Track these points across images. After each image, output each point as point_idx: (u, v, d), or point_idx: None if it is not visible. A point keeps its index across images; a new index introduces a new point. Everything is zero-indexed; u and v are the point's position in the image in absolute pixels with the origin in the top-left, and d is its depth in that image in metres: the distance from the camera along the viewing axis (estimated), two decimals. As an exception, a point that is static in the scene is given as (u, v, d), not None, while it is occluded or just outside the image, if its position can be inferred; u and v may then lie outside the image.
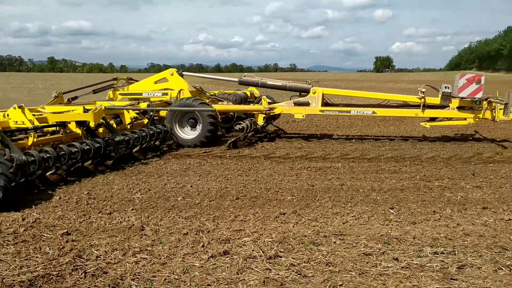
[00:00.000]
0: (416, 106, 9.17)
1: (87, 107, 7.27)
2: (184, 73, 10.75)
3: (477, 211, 4.81)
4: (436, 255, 3.57)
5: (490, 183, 6.03)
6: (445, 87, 8.86)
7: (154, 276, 3.21)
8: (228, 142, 8.75)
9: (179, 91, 9.65)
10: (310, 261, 3.46)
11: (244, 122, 9.09)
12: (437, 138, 10.14)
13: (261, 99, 9.65)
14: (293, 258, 3.50)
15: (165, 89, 10.49)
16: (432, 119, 9.35)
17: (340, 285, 3.09)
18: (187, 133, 9.07)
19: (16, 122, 6.57)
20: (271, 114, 9.55)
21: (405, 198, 5.34)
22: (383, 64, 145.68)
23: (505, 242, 3.84)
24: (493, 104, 8.59)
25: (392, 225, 4.36)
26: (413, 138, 10.12)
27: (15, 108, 6.59)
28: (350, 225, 4.36)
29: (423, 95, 8.93)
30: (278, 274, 3.22)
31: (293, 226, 4.31)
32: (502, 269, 3.32)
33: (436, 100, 9.05)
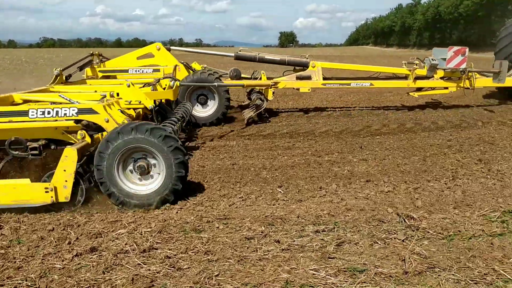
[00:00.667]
0: (403, 77, 9.83)
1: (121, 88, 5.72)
2: (172, 47, 9.74)
3: (360, 185, 4.94)
4: (318, 234, 3.54)
5: (375, 156, 6.27)
6: (432, 60, 9.49)
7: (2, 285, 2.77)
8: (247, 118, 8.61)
9: (175, 67, 8.77)
10: (188, 251, 3.24)
11: (257, 97, 8.93)
12: (332, 111, 10.39)
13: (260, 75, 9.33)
14: (169, 250, 3.25)
15: (151, 65, 9.22)
16: (419, 89, 9.94)
17: (216, 275, 2.91)
18: (199, 111, 8.78)
19: (130, 102, 5.52)
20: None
21: (295, 175, 5.34)
22: (288, 39, 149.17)
23: (383, 215, 3.94)
24: (470, 74, 9.45)
25: (278, 204, 4.30)
26: (312, 111, 10.26)
27: (129, 86, 5.50)
28: (236, 207, 4.22)
29: (416, 67, 9.49)
30: (150, 270, 2.95)
31: (177, 213, 4.06)
32: (377, 243, 3.38)
33: (421, 72, 9.63)
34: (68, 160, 4.03)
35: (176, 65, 8.83)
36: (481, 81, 9.80)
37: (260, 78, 9.26)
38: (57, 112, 4.32)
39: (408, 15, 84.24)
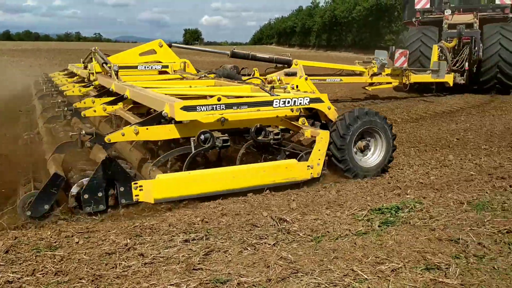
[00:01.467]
0: (359, 74, 12.02)
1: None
2: (173, 44, 9.28)
3: (241, 187, 4.87)
4: (187, 243, 3.38)
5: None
6: (382, 59, 11.47)
7: None
8: None
9: (184, 64, 8.43)
10: (35, 273, 2.88)
11: None
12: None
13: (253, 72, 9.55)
14: (13, 273, 2.87)
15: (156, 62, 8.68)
16: (370, 84, 12.16)
17: (63, 300, 2.61)
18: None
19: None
20: None
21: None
22: (192, 37, 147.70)
23: (257, 219, 3.89)
24: (407, 71, 11.81)
25: (150, 212, 4.06)
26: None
27: (306, 79, 6.88)
28: (103, 219, 3.91)
29: (373, 66, 11.49)
30: (-19, 300, 2.57)
31: (34, 228, 3.64)
32: (247, 249, 3.30)
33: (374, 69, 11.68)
34: (323, 142, 4.92)
35: (185, 62, 8.65)
36: (421, 77, 12.12)
37: (254, 75, 9.56)
38: (294, 101, 4.87)
39: (308, 17, 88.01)
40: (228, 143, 4.43)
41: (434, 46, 12.24)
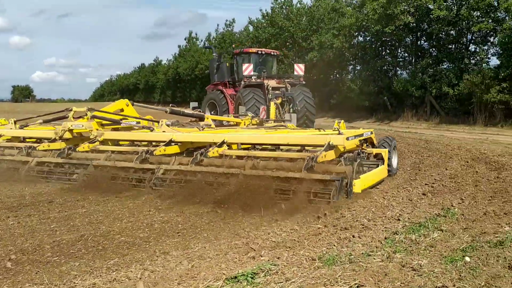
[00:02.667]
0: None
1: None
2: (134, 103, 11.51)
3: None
4: None
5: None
6: (248, 112, 14.25)
7: None
8: None
9: (160, 122, 9.19)
10: None
11: None
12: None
13: None
14: None
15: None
16: None
17: None
18: None
19: None
20: None
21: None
22: (22, 94, 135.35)
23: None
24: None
25: None
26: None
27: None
28: None
29: (249, 117, 12.55)
30: None
31: None
32: None
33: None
34: (386, 155, 8.25)
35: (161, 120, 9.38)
36: None
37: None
38: (364, 134, 8.59)
39: (151, 74, 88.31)
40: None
41: (271, 103, 16.76)
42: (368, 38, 33.32)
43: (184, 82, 68.41)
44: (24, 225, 5.60)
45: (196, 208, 6.31)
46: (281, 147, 8.26)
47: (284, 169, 6.63)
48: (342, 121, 8.89)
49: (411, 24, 27.46)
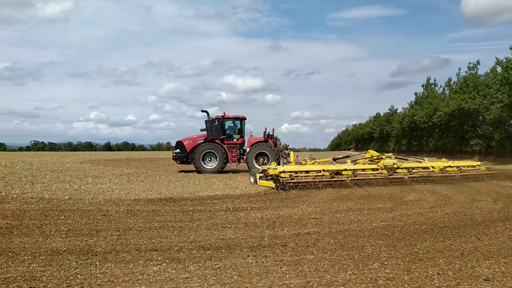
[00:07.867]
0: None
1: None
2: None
3: None
4: None
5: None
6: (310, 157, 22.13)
7: None
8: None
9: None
10: None
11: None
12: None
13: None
14: None
15: None
16: None
17: None
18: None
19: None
20: None
21: None
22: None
23: None
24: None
25: None
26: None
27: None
28: None
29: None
30: None
31: None
32: None
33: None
34: None
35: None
36: None
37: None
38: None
39: (386, 123, 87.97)
40: None
41: (291, 151, 25.03)
42: None
43: (420, 130, 65.59)
44: (261, 264, 6.21)
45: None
46: None
47: None
48: None
49: None
